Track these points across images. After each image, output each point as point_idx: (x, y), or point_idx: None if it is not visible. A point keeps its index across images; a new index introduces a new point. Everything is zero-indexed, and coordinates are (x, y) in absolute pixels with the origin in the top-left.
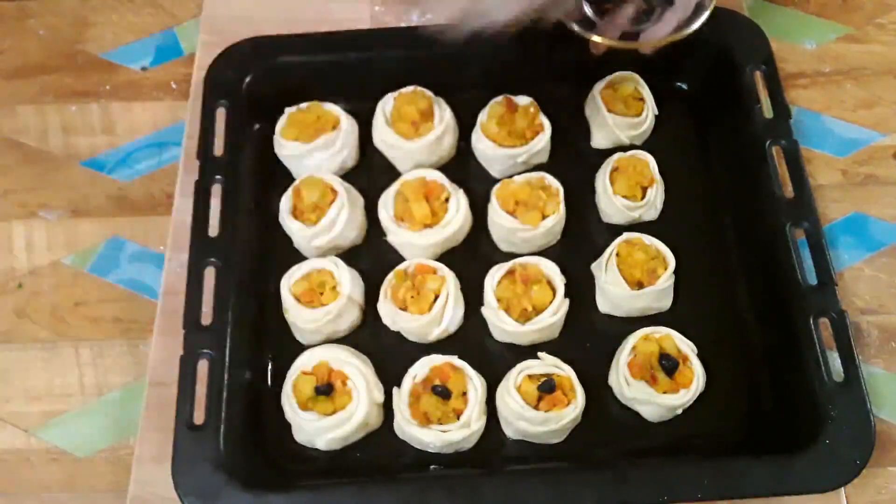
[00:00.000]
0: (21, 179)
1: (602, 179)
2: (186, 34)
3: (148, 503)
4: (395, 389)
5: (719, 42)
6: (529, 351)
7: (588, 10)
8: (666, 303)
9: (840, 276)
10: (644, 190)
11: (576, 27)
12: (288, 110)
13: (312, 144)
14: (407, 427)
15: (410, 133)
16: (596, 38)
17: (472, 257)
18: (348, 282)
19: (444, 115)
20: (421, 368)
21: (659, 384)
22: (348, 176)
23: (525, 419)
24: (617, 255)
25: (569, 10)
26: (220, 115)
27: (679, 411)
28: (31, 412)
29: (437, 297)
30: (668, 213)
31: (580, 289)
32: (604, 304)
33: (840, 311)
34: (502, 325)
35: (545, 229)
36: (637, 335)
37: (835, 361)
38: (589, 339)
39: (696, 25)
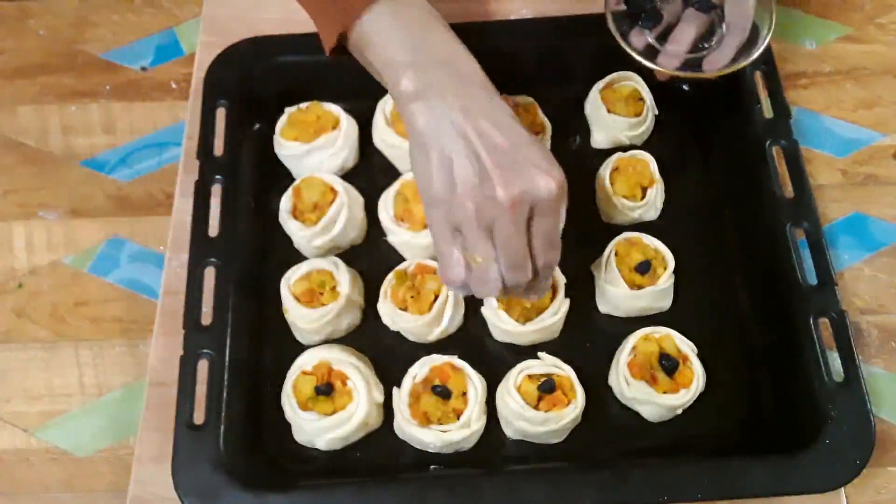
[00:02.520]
0: (21, 179)
1: (602, 179)
2: (186, 34)
3: (148, 503)
4: (395, 389)
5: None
6: (529, 351)
7: (650, 37)
8: (666, 303)
9: (840, 276)
10: (644, 190)
11: (638, 56)
12: (288, 110)
13: (312, 144)
14: (407, 427)
15: None
16: (659, 68)
17: None
18: (348, 282)
19: None
20: (421, 368)
21: (659, 384)
22: (348, 176)
23: (525, 419)
24: (616, 254)
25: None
26: (220, 115)
27: (679, 411)
28: (31, 412)
29: (437, 298)
30: (668, 213)
31: (580, 289)
32: (604, 304)
33: (840, 311)
34: (502, 325)
35: None
36: (637, 335)
37: (835, 361)
38: (589, 339)
39: (758, 52)
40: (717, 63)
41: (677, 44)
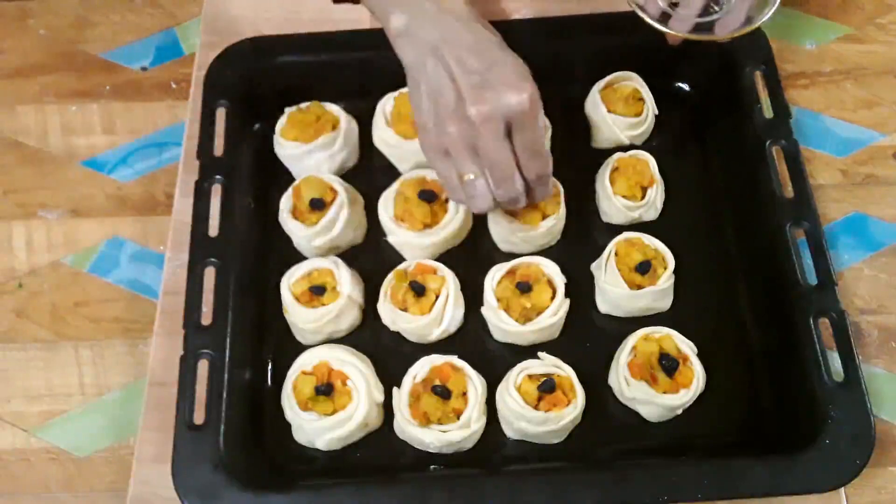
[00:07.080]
0: (21, 179)
1: (602, 179)
2: (186, 34)
3: (148, 503)
4: (395, 389)
5: (719, 42)
6: (529, 351)
7: (662, 2)
8: (666, 303)
9: (840, 276)
10: (644, 190)
11: (650, 20)
12: (288, 110)
13: (312, 144)
14: (407, 427)
15: (410, 133)
16: (671, 31)
17: (472, 257)
18: (348, 282)
19: None
20: (421, 368)
21: (659, 384)
22: (348, 176)
23: (525, 419)
24: (616, 254)
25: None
26: (220, 115)
27: (679, 411)
28: (31, 412)
29: (437, 298)
30: (668, 213)
31: (580, 289)
32: (604, 304)
33: (840, 311)
34: (502, 325)
35: (545, 229)
36: (637, 335)
37: (835, 361)
38: (589, 339)
39: (769, 13)
40: (728, 26)
41: (688, 7)
